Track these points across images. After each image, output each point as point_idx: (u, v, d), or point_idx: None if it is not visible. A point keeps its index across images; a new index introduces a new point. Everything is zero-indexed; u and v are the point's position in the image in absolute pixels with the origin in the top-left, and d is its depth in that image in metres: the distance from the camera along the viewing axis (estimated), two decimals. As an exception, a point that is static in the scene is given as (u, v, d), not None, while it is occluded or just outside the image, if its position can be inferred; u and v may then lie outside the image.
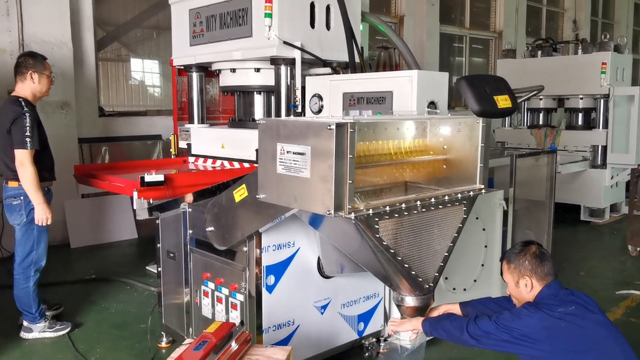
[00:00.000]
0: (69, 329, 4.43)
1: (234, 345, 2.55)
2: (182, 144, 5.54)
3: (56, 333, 4.37)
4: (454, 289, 4.42)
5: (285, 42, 4.48)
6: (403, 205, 2.74)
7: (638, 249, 6.66)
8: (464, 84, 3.00)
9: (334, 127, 2.38)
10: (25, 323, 4.36)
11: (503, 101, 3.03)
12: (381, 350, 4.09)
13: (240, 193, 3.02)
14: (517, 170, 5.27)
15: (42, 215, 4.10)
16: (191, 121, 5.58)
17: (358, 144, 2.78)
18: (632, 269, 6.28)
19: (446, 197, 2.93)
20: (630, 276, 5.98)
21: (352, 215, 2.50)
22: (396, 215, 2.71)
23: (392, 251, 2.70)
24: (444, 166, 3.24)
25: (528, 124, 9.52)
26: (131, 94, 9.01)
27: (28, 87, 4.25)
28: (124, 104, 8.85)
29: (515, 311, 2.65)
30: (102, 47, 8.20)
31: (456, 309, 3.17)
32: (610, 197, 8.51)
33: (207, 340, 2.46)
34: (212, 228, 3.33)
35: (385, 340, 4.11)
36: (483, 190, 3.10)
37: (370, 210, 2.59)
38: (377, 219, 2.63)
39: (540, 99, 9.16)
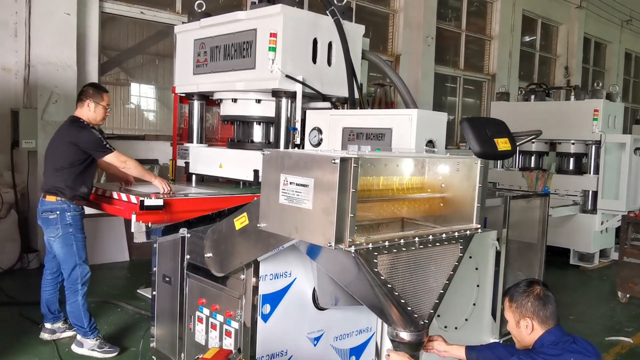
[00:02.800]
0: (116, 353, 4.46)
1: (229, 373, 2.56)
2: (180, 163, 5.60)
3: (104, 355, 4.41)
4: (446, 327, 4.43)
5: (287, 76, 4.59)
6: (401, 241, 2.78)
7: (628, 295, 6.69)
8: (467, 126, 3.09)
9: (338, 161, 2.43)
10: (78, 337, 4.46)
11: (503, 144, 3.12)
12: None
13: (241, 221, 3.05)
14: (510, 212, 5.34)
15: (160, 187, 4.62)
16: (190, 141, 5.65)
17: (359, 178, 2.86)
18: (622, 315, 6.30)
19: (443, 235, 2.97)
20: (620, 323, 6.00)
21: (352, 249, 2.53)
22: (394, 250, 2.74)
23: (389, 286, 2.74)
24: (441, 204, 3.29)
25: (520, 166, 9.63)
26: (128, 117, 9.08)
27: (85, 113, 4.50)
28: (125, 127, 8.90)
29: None
30: (104, 71, 8.30)
31: (461, 353, 3.20)
32: (600, 242, 8.58)
33: (204, 367, 2.47)
34: (210, 254, 3.35)
35: (376, 375, 4.12)
36: (479, 230, 3.15)
37: (370, 244, 2.63)
38: (375, 254, 2.66)
39: (533, 143, 9.28)
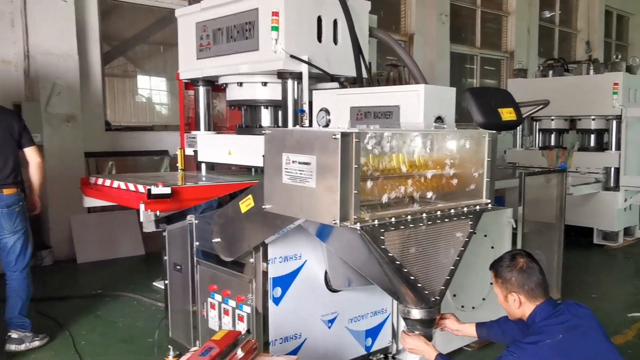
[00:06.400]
0: None
1: (239, 353, 2.54)
2: (189, 151, 5.54)
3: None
4: (462, 306, 4.37)
5: (292, 56, 4.50)
6: (409, 217, 2.72)
7: (651, 272, 6.53)
8: (469, 96, 2.99)
9: (339, 136, 2.38)
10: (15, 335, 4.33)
11: (507, 114, 3.02)
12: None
13: (246, 204, 3.01)
14: (527, 190, 5.23)
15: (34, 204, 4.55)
16: (198, 129, 5.58)
17: (365, 157, 2.79)
18: (645, 293, 6.17)
19: (452, 211, 2.91)
20: (643, 299, 5.88)
21: (358, 226, 2.48)
22: (402, 227, 2.69)
23: (398, 263, 2.68)
24: (451, 180, 3.20)
25: (540, 145, 9.43)
26: (139, 109, 9.08)
27: None
28: (132, 119, 8.90)
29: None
30: (108, 61, 8.22)
31: (472, 331, 3.15)
32: (623, 220, 8.33)
33: (213, 347, 2.46)
34: (218, 239, 3.32)
35: (393, 357, 4.07)
36: (489, 205, 3.07)
37: (376, 221, 2.57)
38: (382, 230, 2.60)
39: (552, 120, 9.09)
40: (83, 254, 6.85)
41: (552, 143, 9.31)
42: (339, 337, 3.68)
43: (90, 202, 5.04)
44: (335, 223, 2.43)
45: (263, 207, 2.78)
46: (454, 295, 4.31)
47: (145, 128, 8.21)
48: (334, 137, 2.39)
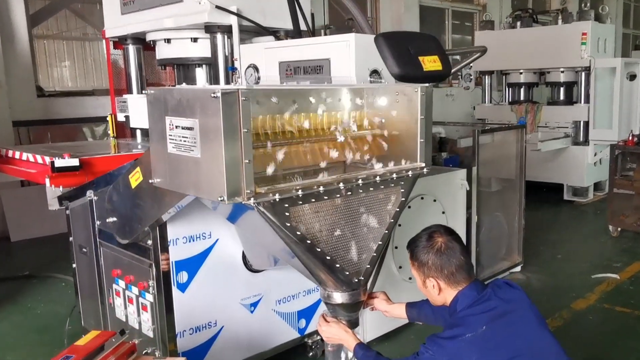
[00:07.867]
0: None
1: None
2: (121, 117, 5.03)
3: None
4: (410, 278, 4.02)
5: (218, 7, 3.99)
6: (321, 188, 2.30)
7: (619, 229, 6.27)
8: (381, 42, 2.51)
9: (219, 94, 1.94)
10: None
11: (430, 63, 2.55)
12: (329, 349, 3.70)
13: (135, 177, 2.57)
14: (488, 148, 4.86)
15: None
16: (130, 92, 5.05)
17: (279, 117, 2.39)
18: (612, 250, 5.90)
19: (377, 178, 2.49)
20: (609, 258, 5.60)
21: (252, 202, 2.07)
22: (313, 200, 2.29)
23: (309, 242, 2.29)
24: (383, 142, 2.79)
25: (509, 100, 9.06)
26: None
27: None
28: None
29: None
30: (37, 22, 7.57)
31: (402, 311, 2.79)
32: (593, 175, 8.12)
33: (71, 356, 2.05)
34: (113, 219, 2.88)
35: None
36: (425, 170, 2.66)
37: (277, 195, 2.15)
38: (287, 205, 2.20)
39: (521, 73, 8.75)
40: (17, 231, 6.38)
41: (522, 97, 8.97)
42: (265, 321, 3.32)
43: (1, 177, 4.53)
44: (222, 199, 2.02)
45: (150, 181, 2.36)
46: (400, 267, 3.96)
47: (84, 93, 7.60)
48: (213, 95, 1.96)
